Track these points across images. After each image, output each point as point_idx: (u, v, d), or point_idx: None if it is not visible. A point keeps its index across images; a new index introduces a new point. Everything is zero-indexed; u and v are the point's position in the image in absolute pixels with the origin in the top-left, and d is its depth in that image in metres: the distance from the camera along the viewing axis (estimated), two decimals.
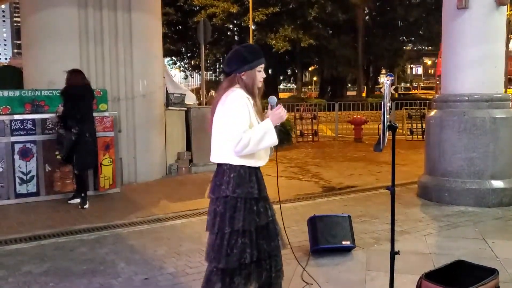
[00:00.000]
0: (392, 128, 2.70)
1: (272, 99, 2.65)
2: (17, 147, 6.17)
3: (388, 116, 2.66)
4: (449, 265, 2.93)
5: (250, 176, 2.55)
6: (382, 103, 2.65)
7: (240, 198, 2.51)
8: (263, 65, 2.60)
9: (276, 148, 2.70)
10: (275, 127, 2.54)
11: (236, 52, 2.63)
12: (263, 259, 2.60)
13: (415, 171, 7.42)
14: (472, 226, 4.94)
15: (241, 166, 2.54)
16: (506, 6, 5.87)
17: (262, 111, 2.65)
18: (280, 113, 2.51)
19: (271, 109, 2.60)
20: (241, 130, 2.47)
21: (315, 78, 56.16)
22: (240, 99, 2.52)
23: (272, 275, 2.64)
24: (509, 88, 17.36)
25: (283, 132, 11.92)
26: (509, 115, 5.85)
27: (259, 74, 2.59)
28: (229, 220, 2.50)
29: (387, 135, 2.71)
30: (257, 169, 2.61)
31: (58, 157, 6.10)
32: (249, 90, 2.57)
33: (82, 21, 7.02)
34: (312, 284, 3.44)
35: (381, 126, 2.79)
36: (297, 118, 14.33)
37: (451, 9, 5.91)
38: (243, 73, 2.56)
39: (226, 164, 2.55)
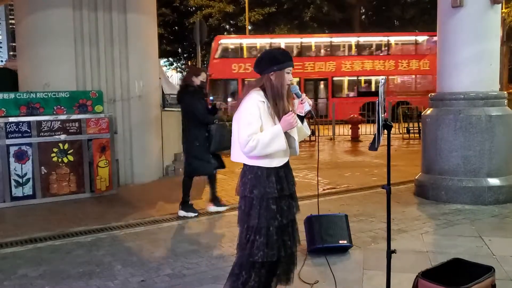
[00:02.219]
0: (387, 127, 2.69)
1: (294, 88, 2.68)
2: (12, 149, 6.15)
3: (383, 115, 2.66)
4: (446, 263, 2.93)
5: (268, 176, 2.63)
6: (377, 102, 2.65)
7: (255, 197, 2.63)
8: (291, 68, 2.67)
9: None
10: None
11: (266, 52, 2.75)
12: (286, 256, 2.74)
13: (412, 170, 7.42)
14: (469, 224, 4.94)
15: (258, 167, 2.63)
16: (500, 4, 5.88)
17: (288, 110, 2.68)
18: (289, 120, 2.55)
19: (297, 98, 2.68)
20: (248, 132, 2.55)
21: None
22: (252, 103, 2.60)
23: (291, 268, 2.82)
24: None
25: None
26: (504, 113, 5.86)
27: (287, 76, 2.65)
28: (247, 216, 2.65)
29: (382, 134, 2.71)
30: (278, 168, 2.67)
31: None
32: (278, 91, 2.63)
33: (77, 23, 7.01)
34: (317, 281, 3.44)
35: (376, 125, 2.78)
36: None
37: (446, 7, 5.92)
38: (272, 73, 2.63)
39: (245, 165, 2.69)
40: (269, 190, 2.61)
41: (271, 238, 2.62)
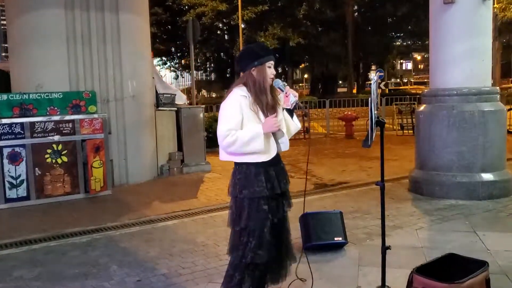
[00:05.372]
0: (380, 123, 2.70)
1: (277, 82, 2.67)
2: (5, 151, 6.12)
3: (376, 112, 2.67)
4: (440, 259, 2.94)
5: (257, 175, 2.61)
6: (370, 99, 2.66)
7: (246, 198, 2.61)
8: (272, 62, 2.66)
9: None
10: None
11: (246, 49, 2.78)
12: (276, 256, 2.73)
13: (406, 166, 7.46)
14: (463, 219, 4.97)
15: (247, 166, 2.61)
16: (492, 0, 5.91)
17: (274, 105, 2.67)
18: (271, 122, 2.55)
19: (281, 92, 2.66)
20: (227, 127, 2.53)
21: (306, 76, 56.24)
22: (234, 98, 2.59)
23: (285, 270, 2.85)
24: None
25: None
26: (497, 108, 5.89)
27: (269, 70, 2.64)
28: (238, 218, 2.64)
29: (375, 131, 2.72)
30: (267, 166, 2.65)
31: None
32: (260, 85, 2.61)
33: (69, 23, 6.97)
34: (305, 280, 3.44)
35: (369, 122, 2.79)
36: None
37: (438, 3, 5.94)
38: (253, 68, 2.62)
39: (236, 165, 2.67)
40: (258, 189, 2.59)
41: (264, 240, 2.61)
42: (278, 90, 2.69)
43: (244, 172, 2.62)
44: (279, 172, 2.71)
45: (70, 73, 6.98)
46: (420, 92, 11.76)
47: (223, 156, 2.68)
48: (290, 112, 2.73)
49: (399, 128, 14.38)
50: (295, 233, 4.28)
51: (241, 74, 2.70)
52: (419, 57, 60.73)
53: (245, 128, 2.57)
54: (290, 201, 2.82)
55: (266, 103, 2.61)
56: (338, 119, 15.34)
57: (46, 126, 6.33)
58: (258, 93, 2.60)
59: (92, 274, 3.79)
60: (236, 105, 2.57)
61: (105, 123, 6.75)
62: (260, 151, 2.57)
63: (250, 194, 2.59)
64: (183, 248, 4.33)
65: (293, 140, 13.41)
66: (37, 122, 6.29)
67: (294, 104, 2.66)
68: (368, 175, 7.81)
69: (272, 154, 2.67)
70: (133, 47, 7.49)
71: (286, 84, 2.71)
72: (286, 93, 2.63)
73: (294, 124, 2.78)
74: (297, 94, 2.65)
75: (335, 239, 4.07)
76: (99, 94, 7.12)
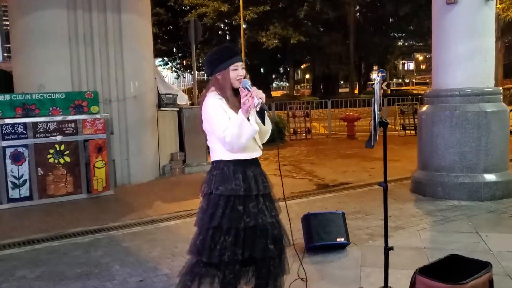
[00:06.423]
0: (383, 124, 2.70)
1: (244, 82, 2.55)
2: (8, 151, 6.13)
3: (378, 112, 2.67)
4: (443, 260, 2.94)
5: (235, 173, 2.57)
6: (373, 99, 2.65)
7: (222, 195, 2.54)
8: (238, 63, 2.59)
9: (277, 143, 2.72)
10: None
11: (210, 54, 2.70)
12: (256, 260, 2.64)
13: (409, 167, 7.45)
14: (466, 220, 4.96)
15: (226, 163, 2.57)
16: (495, 0, 5.90)
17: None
18: (243, 102, 2.45)
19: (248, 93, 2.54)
20: (221, 129, 2.49)
21: (307, 76, 56.23)
22: (211, 102, 2.56)
23: (260, 276, 2.70)
24: None
25: (277, 131, 11.88)
26: (500, 109, 5.88)
27: (234, 73, 2.58)
28: (210, 216, 2.56)
29: (378, 132, 2.72)
30: (245, 166, 2.60)
31: None
32: (224, 90, 2.58)
33: (71, 24, 6.98)
34: (307, 280, 3.44)
35: (372, 122, 2.79)
36: (290, 116, 14.36)
37: (441, 4, 5.93)
38: (218, 73, 2.60)
39: (212, 163, 2.64)
40: (236, 187, 2.53)
41: (239, 238, 2.54)
42: (245, 90, 2.54)
43: (221, 169, 2.57)
44: (257, 174, 2.64)
45: (72, 73, 6.99)
46: (422, 92, 11.74)
47: (211, 157, 2.66)
48: (259, 114, 2.63)
49: (401, 128, 14.37)
50: (297, 233, 4.30)
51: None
52: (421, 58, 60.68)
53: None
54: (275, 205, 2.72)
55: (238, 102, 2.54)
56: (340, 120, 15.34)
57: (48, 126, 6.34)
58: (228, 97, 2.57)
59: (94, 274, 3.79)
60: (218, 107, 2.53)
61: (107, 123, 6.76)
62: (256, 132, 2.50)
63: (227, 191, 2.53)
64: (185, 248, 4.26)
65: (294, 140, 13.45)
66: (40, 122, 6.30)
67: (258, 106, 2.51)
68: (370, 175, 7.81)
69: (256, 150, 2.64)
70: (135, 47, 7.50)
71: (251, 84, 2.56)
72: (251, 93, 2.48)
73: (265, 128, 2.69)
74: (263, 96, 2.52)
75: (337, 239, 4.06)
76: (101, 95, 7.13)
